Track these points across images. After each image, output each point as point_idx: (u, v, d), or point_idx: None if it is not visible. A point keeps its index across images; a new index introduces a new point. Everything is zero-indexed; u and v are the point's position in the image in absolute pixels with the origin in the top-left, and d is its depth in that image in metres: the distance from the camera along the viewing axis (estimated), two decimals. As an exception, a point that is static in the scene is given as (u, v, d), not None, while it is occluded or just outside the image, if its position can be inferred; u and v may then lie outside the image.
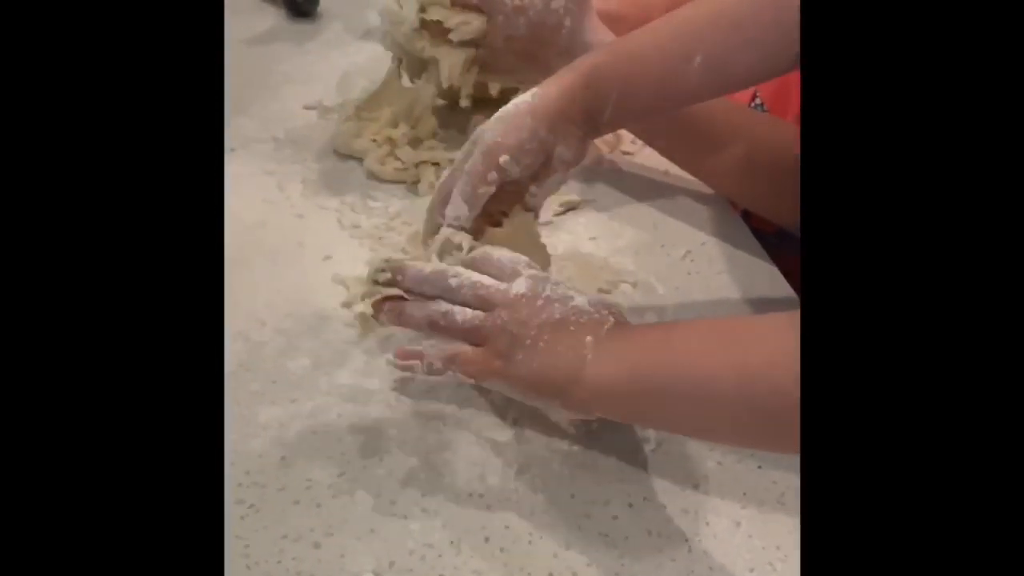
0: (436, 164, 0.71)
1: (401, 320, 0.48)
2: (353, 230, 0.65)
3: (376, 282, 0.49)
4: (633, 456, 0.50)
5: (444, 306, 0.47)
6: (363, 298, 0.49)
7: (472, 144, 0.52)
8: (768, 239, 0.68)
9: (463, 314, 0.47)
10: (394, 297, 0.49)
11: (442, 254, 0.51)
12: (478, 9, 0.64)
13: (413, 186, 0.70)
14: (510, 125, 0.51)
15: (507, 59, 0.66)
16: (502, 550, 0.45)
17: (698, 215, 0.70)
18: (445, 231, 0.51)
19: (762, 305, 0.62)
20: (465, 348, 0.47)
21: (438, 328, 0.47)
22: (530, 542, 0.46)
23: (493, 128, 0.52)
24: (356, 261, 0.61)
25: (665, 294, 0.62)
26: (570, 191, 0.71)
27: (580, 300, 0.47)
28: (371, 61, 0.84)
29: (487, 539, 0.46)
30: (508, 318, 0.46)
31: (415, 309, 0.48)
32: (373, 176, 0.70)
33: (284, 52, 0.86)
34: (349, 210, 0.67)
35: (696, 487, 0.49)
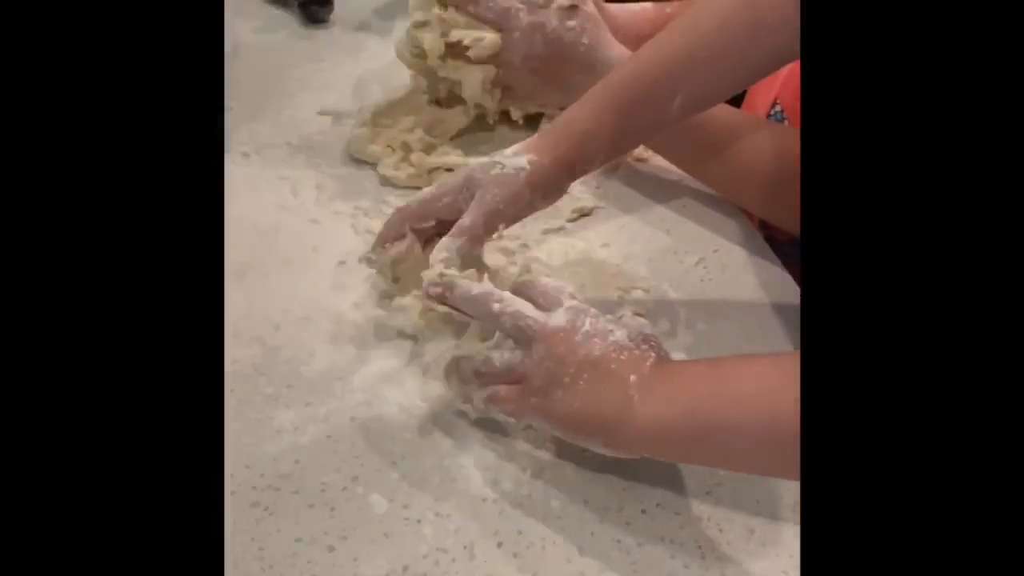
0: (450, 170, 0.71)
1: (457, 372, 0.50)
2: (367, 235, 0.65)
3: (428, 295, 0.50)
4: (647, 462, 0.50)
5: (482, 355, 0.48)
6: (421, 316, 0.50)
7: (466, 188, 0.54)
8: (782, 247, 0.68)
9: (500, 357, 0.48)
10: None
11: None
12: (495, 26, 0.66)
13: (427, 191, 0.70)
14: (510, 194, 0.54)
15: (527, 79, 0.67)
16: (515, 555, 0.45)
17: (711, 221, 0.69)
18: (436, 267, 0.51)
19: (775, 313, 0.62)
20: (500, 388, 0.47)
21: (480, 375, 0.48)
22: (543, 547, 0.46)
23: (494, 194, 0.54)
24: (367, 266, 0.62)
25: (678, 300, 0.62)
26: (583, 197, 0.71)
27: (619, 334, 0.47)
28: (385, 67, 0.85)
29: (500, 544, 0.46)
30: (545, 354, 0.46)
31: (464, 363, 0.49)
32: (387, 182, 0.70)
33: (298, 59, 0.86)
34: (363, 215, 0.67)
35: (709, 494, 0.49)
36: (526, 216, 0.56)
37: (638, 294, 0.62)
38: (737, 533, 0.47)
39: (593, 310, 0.48)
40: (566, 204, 0.70)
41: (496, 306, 0.48)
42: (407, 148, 0.71)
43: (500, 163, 0.54)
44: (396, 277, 0.57)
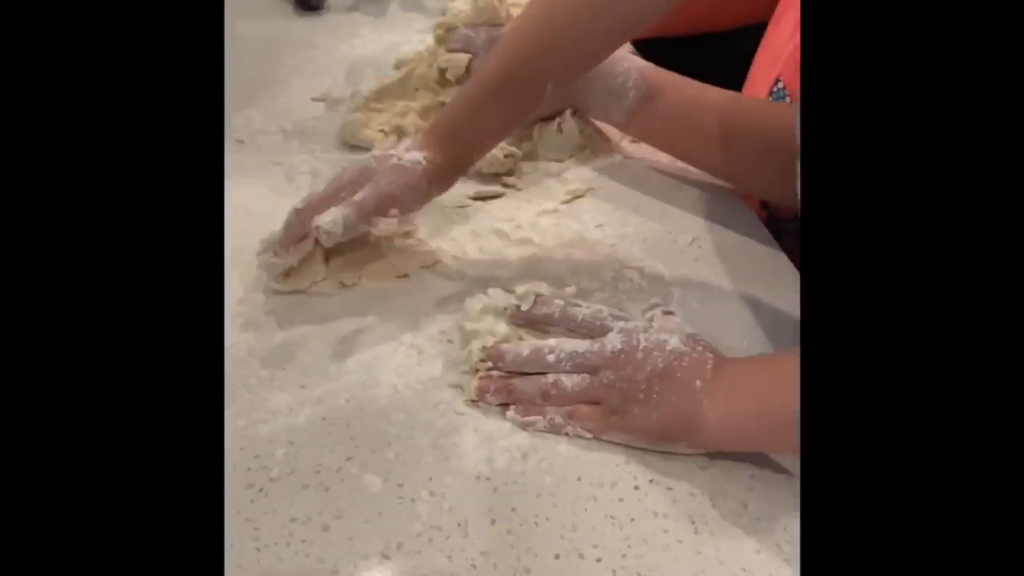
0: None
1: (512, 397, 0.51)
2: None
3: (478, 371, 0.52)
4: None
5: (552, 376, 0.51)
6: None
7: (362, 178, 0.57)
8: (784, 224, 0.68)
9: (571, 380, 0.50)
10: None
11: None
12: (465, 52, 0.73)
13: (420, 176, 0.70)
14: (407, 183, 0.56)
15: None
16: (509, 532, 0.45)
17: (705, 202, 0.70)
18: (321, 234, 0.55)
19: (769, 291, 0.62)
20: (581, 407, 0.50)
21: (551, 398, 0.51)
22: (536, 524, 0.46)
23: (390, 180, 0.56)
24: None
25: (672, 280, 0.62)
26: (577, 180, 0.71)
27: (674, 341, 0.50)
28: (378, 53, 0.85)
29: (494, 521, 0.46)
30: (615, 376, 0.49)
31: (524, 384, 0.51)
32: (381, 166, 0.71)
33: (292, 45, 0.86)
34: (357, 200, 0.67)
35: (703, 469, 0.49)
36: (420, 207, 0.59)
37: (632, 274, 0.62)
38: (731, 508, 0.47)
39: (640, 324, 0.52)
40: (560, 187, 0.70)
41: (551, 357, 0.51)
42: (401, 132, 0.72)
43: (397, 156, 0.57)
44: (288, 273, 0.58)
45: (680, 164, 0.72)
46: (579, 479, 0.48)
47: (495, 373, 0.52)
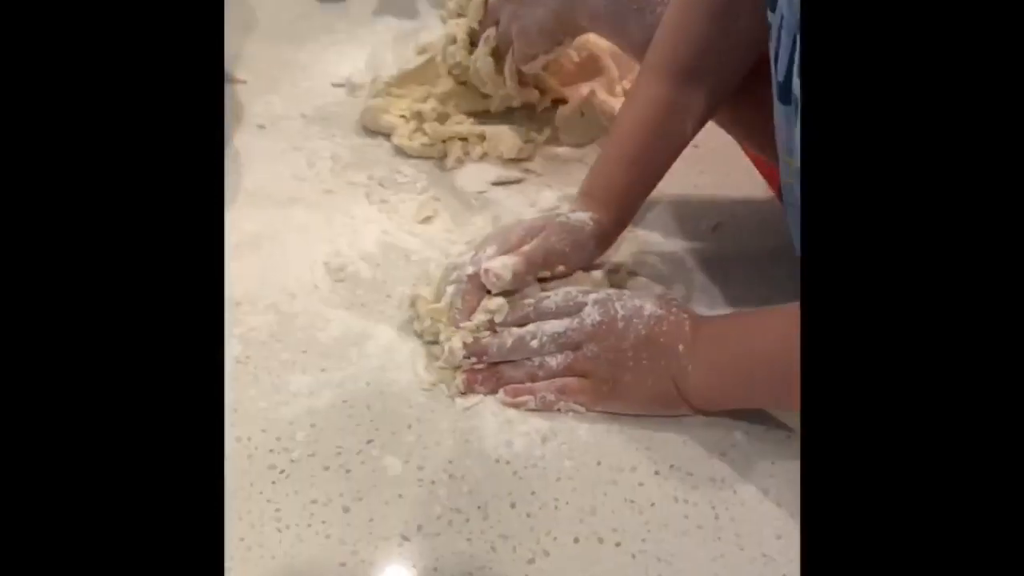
0: (463, 139, 0.71)
1: (501, 383, 0.51)
2: (381, 205, 0.66)
3: (459, 367, 0.52)
4: (660, 424, 0.50)
5: (537, 359, 0.51)
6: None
7: (524, 231, 0.56)
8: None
9: (556, 359, 0.51)
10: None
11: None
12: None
13: (440, 161, 0.70)
14: (576, 241, 0.56)
15: (543, 43, 0.68)
16: (528, 515, 0.45)
17: (727, 186, 0.69)
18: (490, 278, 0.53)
19: (791, 277, 0.61)
20: (571, 380, 0.50)
21: (538, 379, 0.51)
22: (556, 507, 0.46)
23: (560, 236, 0.55)
24: (382, 235, 0.63)
25: (693, 266, 0.62)
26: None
27: (649, 307, 0.50)
28: (399, 39, 0.85)
29: (513, 504, 0.46)
30: (599, 348, 0.50)
31: (511, 370, 0.52)
32: (401, 151, 0.71)
33: (313, 31, 0.86)
34: (377, 185, 0.68)
35: (724, 455, 0.49)
36: (583, 266, 0.58)
37: (653, 259, 0.62)
38: (751, 494, 0.47)
39: (611, 292, 0.52)
40: (581, 172, 0.69)
41: (534, 342, 0.51)
42: (421, 118, 0.72)
43: (564, 215, 0.57)
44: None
45: (701, 147, 0.71)
46: (599, 463, 0.48)
47: (479, 365, 0.52)
